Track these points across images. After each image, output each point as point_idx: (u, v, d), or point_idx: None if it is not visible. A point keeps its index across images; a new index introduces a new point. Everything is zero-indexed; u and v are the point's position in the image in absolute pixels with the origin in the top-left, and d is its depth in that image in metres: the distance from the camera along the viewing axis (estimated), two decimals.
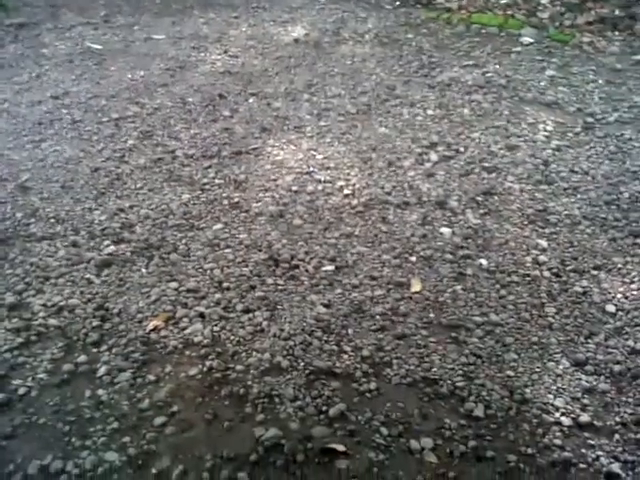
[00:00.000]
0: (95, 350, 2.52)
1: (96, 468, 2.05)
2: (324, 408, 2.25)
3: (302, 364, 2.44)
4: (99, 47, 5.64)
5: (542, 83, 4.77)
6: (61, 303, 2.74)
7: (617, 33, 5.62)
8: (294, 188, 3.54)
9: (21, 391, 2.34)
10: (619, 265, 2.96)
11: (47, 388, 2.36)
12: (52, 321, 2.65)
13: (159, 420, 2.22)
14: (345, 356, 2.48)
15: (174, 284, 2.85)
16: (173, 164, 3.80)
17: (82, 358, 2.47)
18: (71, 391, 2.34)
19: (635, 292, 2.80)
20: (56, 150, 3.95)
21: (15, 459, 2.09)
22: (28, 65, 5.26)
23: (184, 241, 3.13)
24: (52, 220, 3.29)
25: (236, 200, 3.45)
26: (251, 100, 4.63)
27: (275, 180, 3.63)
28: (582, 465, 2.06)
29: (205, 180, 3.63)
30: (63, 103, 4.58)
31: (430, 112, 4.38)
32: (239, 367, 2.43)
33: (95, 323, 2.63)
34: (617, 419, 2.23)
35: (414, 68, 5.10)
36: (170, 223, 3.26)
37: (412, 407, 2.28)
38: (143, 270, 2.95)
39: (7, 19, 6.09)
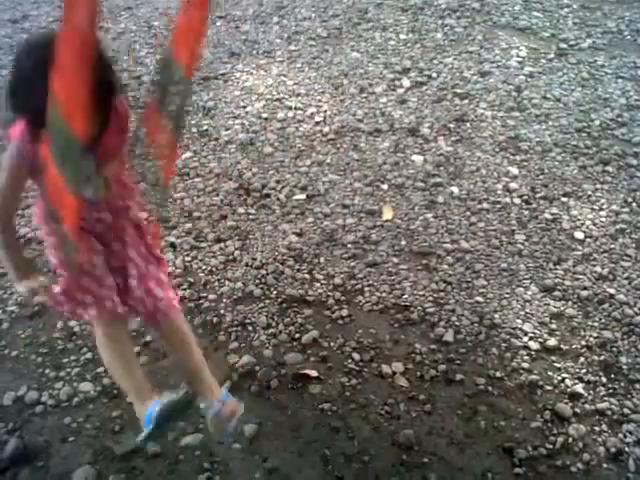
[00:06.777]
0: None
1: (71, 398, 2.06)
2: (297, 335, 2.28)
3: (275, 292, 2.45)
4: None
5: (516, 7, 4.68)
6: (29, 235, 2.69)
7: None
8: (264, 115, 3.48)
9: None
10: (588, 192, 2.98)
11: (19, 320, 2.34)
12: None
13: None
14: (317, 284, 2.50)
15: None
16: (139, 90, 3.70)
17: None
18: (43, 323, 2.33)
19: (603, 219, 2.84)
20: None
21: None
22: None
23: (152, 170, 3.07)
24: None
25: (205, 128, 3.38)
26: (219, 23, 4.49)
27: (245, 107, 3.56)
28: (548, 387, 2.13)
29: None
30: (22, 27, 4.41)
31: (403, 36, 4.29)
32: (212, 296, 2.43)
33: None
34: (583, 342, 2.29)
35: None
36: (137, 152, 3.19)
37: (383, 333, 2.31)
38: None
39: None
